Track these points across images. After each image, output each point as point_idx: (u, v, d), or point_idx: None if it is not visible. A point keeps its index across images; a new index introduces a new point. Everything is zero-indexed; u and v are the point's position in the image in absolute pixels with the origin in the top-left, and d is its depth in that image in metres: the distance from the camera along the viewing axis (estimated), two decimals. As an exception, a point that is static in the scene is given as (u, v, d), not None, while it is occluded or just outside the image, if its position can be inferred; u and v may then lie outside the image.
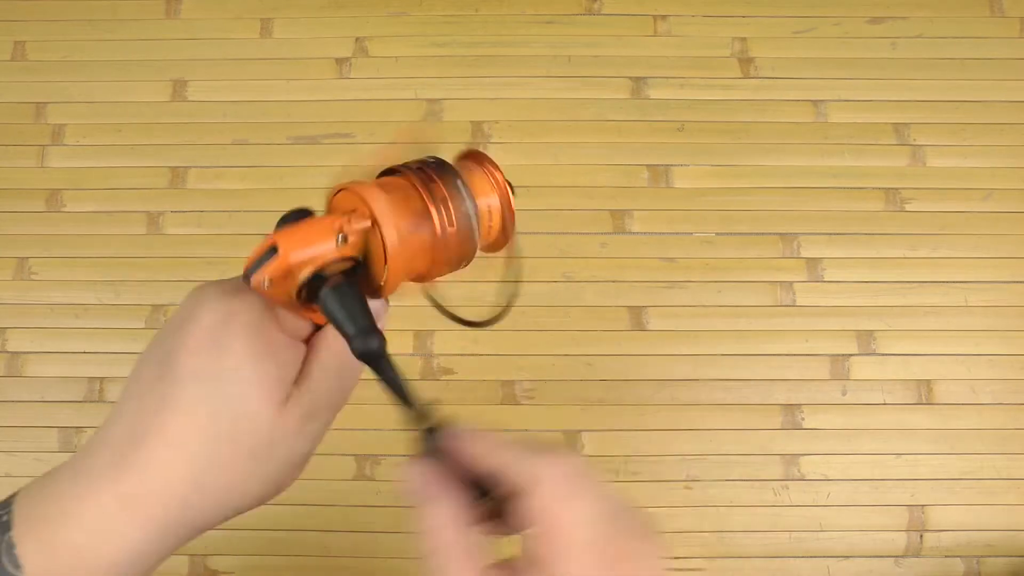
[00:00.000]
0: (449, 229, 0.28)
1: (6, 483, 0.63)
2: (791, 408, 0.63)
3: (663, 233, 0.66)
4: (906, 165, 0.68)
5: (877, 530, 0.61)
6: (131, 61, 0.70)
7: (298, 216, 0.27)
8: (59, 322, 0.65)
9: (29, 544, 0.26)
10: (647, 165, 0.68)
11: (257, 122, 0.69)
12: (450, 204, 0.28)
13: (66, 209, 0.68)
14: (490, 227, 0.30)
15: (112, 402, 0.64)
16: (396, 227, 0.26)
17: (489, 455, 0.26)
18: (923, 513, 0.62)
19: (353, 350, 0.26)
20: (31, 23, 0.71)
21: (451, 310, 0.31)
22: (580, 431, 0.62)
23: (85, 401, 0.64)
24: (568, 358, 0.63)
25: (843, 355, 0.64)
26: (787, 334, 0.65)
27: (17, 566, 0.25)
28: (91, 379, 0.64)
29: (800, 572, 0.61)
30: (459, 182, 0.28)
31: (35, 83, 0.70)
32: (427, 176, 0.28)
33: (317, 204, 0.64)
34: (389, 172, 0.29)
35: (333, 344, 0.28)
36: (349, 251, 0.26)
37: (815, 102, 0.69)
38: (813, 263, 0.66)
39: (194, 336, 0.27)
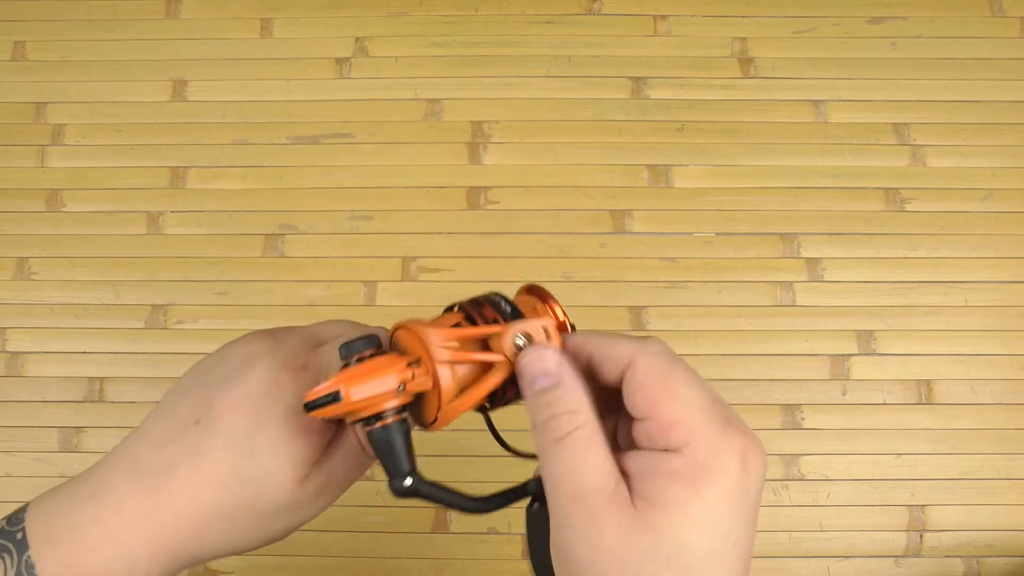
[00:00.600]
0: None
1: (6, 483, 0.63)
2: (791, 408, 0.63)
3: (663, 233, 0.66)
4: (906, 165, 0.68)
5: (877, 530, 0.61)
6: (131, 61, 0.70)
7: (364, 345, 0.28)
8: (59, 322, 0.65)
9: (50, 565, 0.26)
10: (647, 165, 0.68)
11: (257, 122, 0.69)
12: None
13: (66, 209, 0.68)
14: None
15: (112, 402, 0.65)
16: (454, 382, 0.27)
17: (588, 343, 0.26)
18: (923, 513, 0.62)
19: (391, 487, 0.28)
20: (31, 23, 0.71)
21: (502, 436, 0.31)
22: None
23: (85, 401, 0.64)
24: (568, 358, 0.63)
25: (843, 355, 0.64)
26: (787, 334, 0.65)
27: None
28: (91, 379, 0.64)
29: (800, 572, 0.61)
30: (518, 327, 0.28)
31: (35, 83, 0.70)
32: (484, 315, 0.29)
33: (317, 204, 0.64)
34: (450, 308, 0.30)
35: (353, 439, 0.30)
36: (407, 399, 0.28)
37: (815, 102, 0.69)
38: (813, 263, 0.66)
39: (240, 396, 0.28)
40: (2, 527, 0.27)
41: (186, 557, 0.28)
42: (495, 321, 0.28)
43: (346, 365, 0.28)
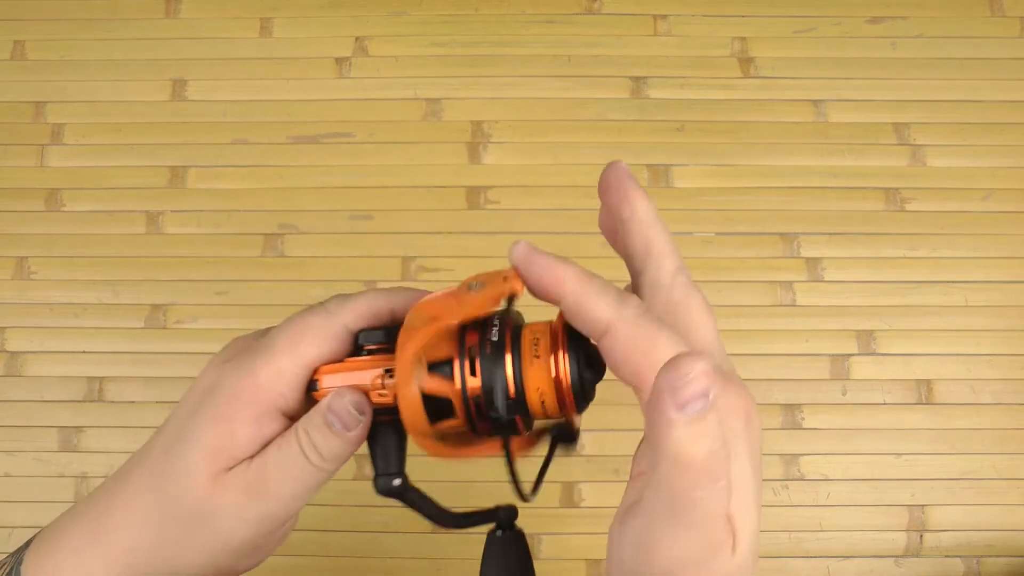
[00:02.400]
0: (471, 383, 0.25)
1: (6, 483, 0.63)
2: (791, 408, 0.63)
3: (663, 233, 0.66)
4: (906, 165, 0.68)
5: (877, 530, 0.61)
6: (130, 60, 0.70)
7: (379, 337, 0.27)
8: (58, 322, 0.65)
9: (30, 564, 0.27)
10: (647, 165, 0.68)
11: (257, 122, 0.69)
12: (478, 360, 0.25)
13: (65, 209, 0.68)
14: (542, 402, 0.25)
15: (111, 402, 0.65)
16: (419, 414, 0.25)
17: (568, 291, 0.24)
18: (923, 513, 0.62)
19: (375, 484, 0.27)
20: (30, 22, 0.71)
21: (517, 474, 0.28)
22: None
23: (85, 401, 0.64)
24: (568, 358, 0.63)
25: (843, 355, 0.64)
26: (787, 334, 0.65)
27: None
28: (91, 379, 0.64)
29: (800, 572, 0.61)
30: (504, 338, 0.25)
31: (34, 82, 0.70)
32: (478, 328, 0.25)
33: (316, 203, 0.64)
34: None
35: (294, 442, 0.27)
36: (388, 401, 0.26)
37: (815, 102, 0.69)
38: (813, 263, 0.66)
39: (188, 397, 0.27)
40: (9, 561, 0.28)
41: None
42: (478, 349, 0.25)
43: (358, 352, 0.27)
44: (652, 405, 0.19)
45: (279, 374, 0.26)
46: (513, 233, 0.66)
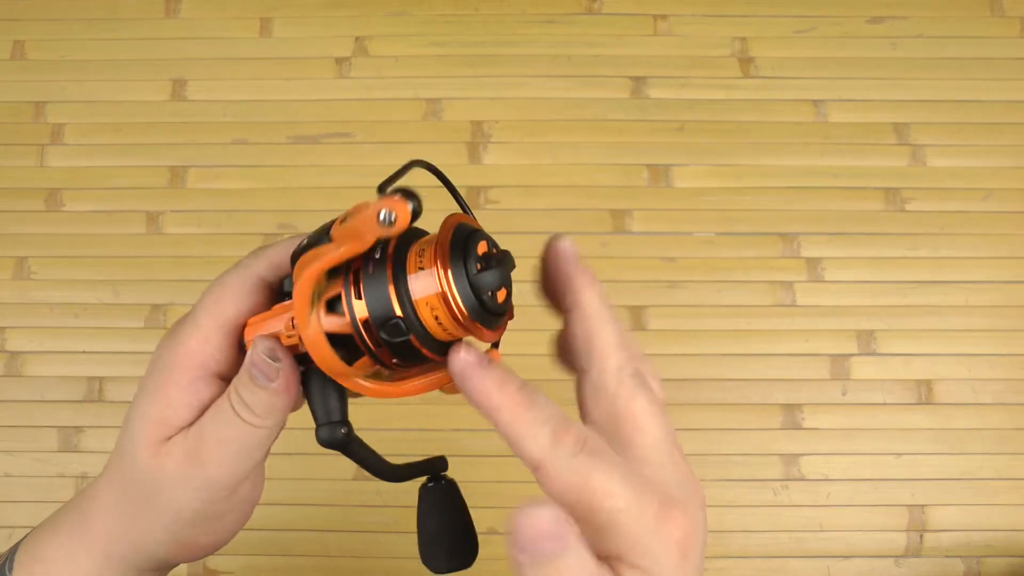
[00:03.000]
0: (358, 309, 0.23)
1: (6, 483, 0.63)
2: (791, 408, 0.63)
3: (663, 233, 0.66)
4: (906, 165, 0.67)
5: (877, 530, 0.61)
6: (130, 60, 0.70)
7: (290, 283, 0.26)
8: (58, 321, 0.65)
9: (21, 553, 0.28)
10: (647, 165, 0.68)
11: (257, 122, 0.69)
12: (361, 283, 0.23)
13: (65, 209, 0.68)
14: (436, 319, 0.23)
15: (111, 402, 0.65)
16: (315, 335, 0.23)
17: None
18: (923, 513, 0.62)
19: (317, 435, 0.25)
20: (30, 22, 0.71)
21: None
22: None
23: (85, 401, 0.64)
24: (568, 358, 0.63)
25: (843, 355, 0.64)
26: (787, 334, 0.64)
27: (11, 571, 0.27)
28: (91, 379, 0.64)
29: (800, 572, 0.61)
30: (388, 258, 0.23)
31: (34, 82, 0.70)
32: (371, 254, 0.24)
33: (316, 203, 0.64)
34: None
35: (225, 399, 0.26)
36: (296, 343, 0.25)
37: (815, 102, 0.69)
38: (813, 263, 0.66)
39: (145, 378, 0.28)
40: (4, 553, 0.29)
41: (128, 561, 0.28)
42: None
43: (282, 299, 0.27)
44: (509, 546, 0.20)
45: (205, 338, 0.26)
46: (513, 233, 0.66)
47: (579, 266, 0.24)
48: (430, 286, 0.22)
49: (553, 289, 0.25)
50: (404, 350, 0.23)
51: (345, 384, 0.24)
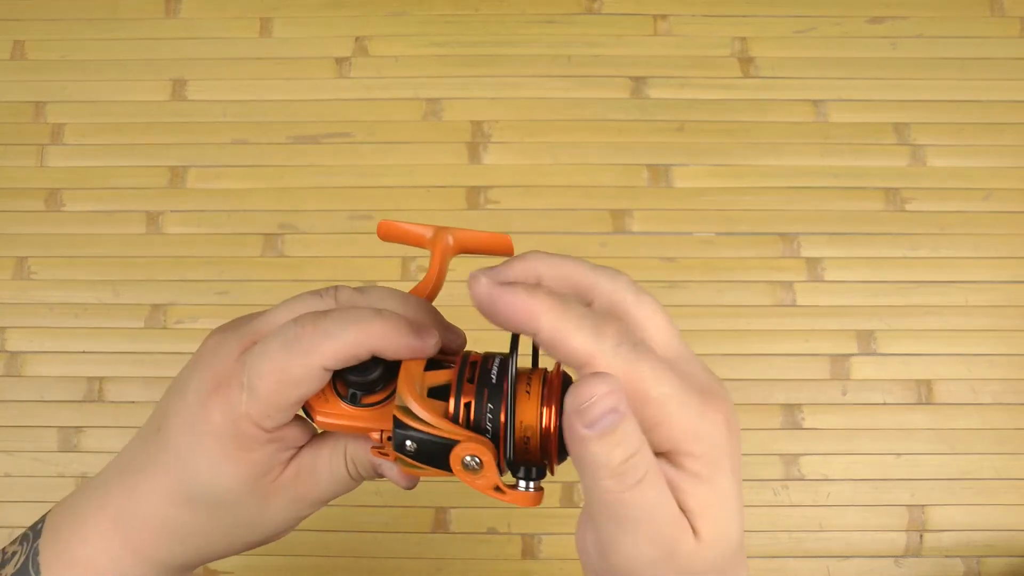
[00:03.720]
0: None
1: (6, 483, 0.63)
2: (791, 408, 0.63)
3: (663, 233, 0.66)
4: (906, 165, 0.68)
5: (877, 530, 0.61)
6: (130, 60, 0.70)
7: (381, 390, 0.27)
8: (58, 322, 0.65)
9: (49, 553, 0.28)
10: (647, 165, 0.68)
11: (257, 122, 0.69)
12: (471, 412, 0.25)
13: (65, 209, 0.68)
14: (525, 449, 0.25)
15: (111, 402, 0.65)
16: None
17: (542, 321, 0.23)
18: (923, 513, 0.62)
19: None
20: (30, 22, 0.71)
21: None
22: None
23: (85, 401, 0.64)
24: (568, 358, 0.63)
25: (843, 355, 0.64)
26: (787, 334, 0.65)
27: (38, 572, 0.27)
28: (90, 379, 0.64)
29: (800, 572, 0.61)
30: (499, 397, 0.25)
31: (34, 82, 0.70)
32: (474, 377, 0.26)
33: (316, 203, 0.64)
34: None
35: (336, 457, 0.29)
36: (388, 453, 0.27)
37: (815, 102, 0.69)
38: (813, 263, 0.66)
39: (181, 408, 0.27)
40: (19, 550, 0.29)
41: (168, 564, 0.28)
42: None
43: (351, 399, 0.27)
44: (566, 426, 0.21)
45: (263, 416, 0.26)
46: (513, 233, 0.66)
47: (507, 298, 0.23)
48: (532, 419, 0.25)
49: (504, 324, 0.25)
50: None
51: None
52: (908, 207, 0.67)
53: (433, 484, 0.61)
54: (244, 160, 0.68)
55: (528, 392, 0.25)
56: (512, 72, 0.70)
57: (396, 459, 0.25)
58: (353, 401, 0.27)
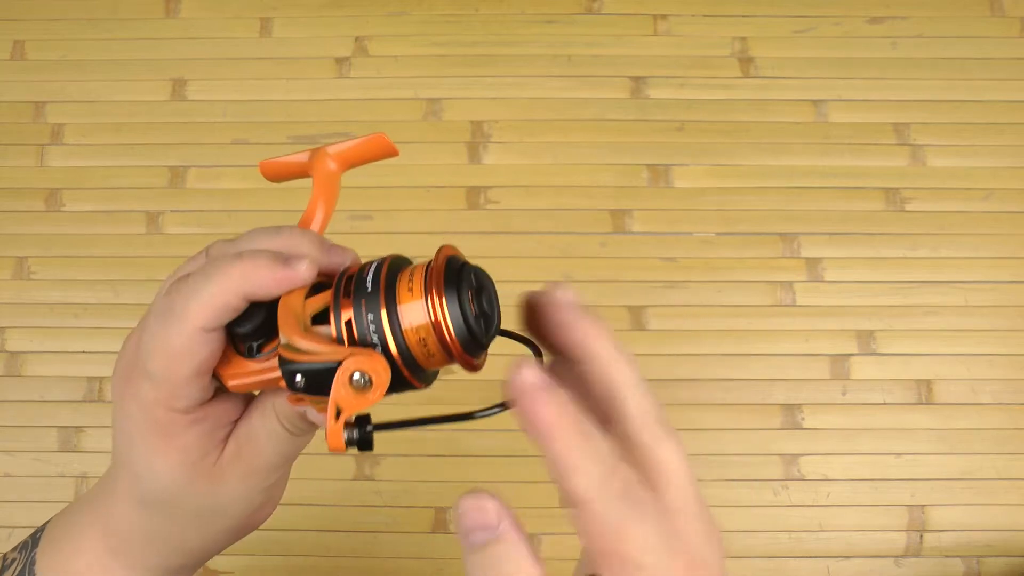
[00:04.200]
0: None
1: (6, 483, 0.63)
2: (791, 408, 0.63)
3: (663, 233, 0.66)
4: (906, 165, 0.68)
5: (877, 530, 0.61)
6: (130, 60, 0.70)
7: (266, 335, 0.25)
8: (58, 321, 0.65)
9: (44, 564, 0.28)
10: (647, 165, 0.68)
11: (257, 121, 0.69)
12: (353, 323, 0.23)
13: (65, 208, 0.68)
14: (427, 352, 0.23)
15: (111, 402, 0.64)
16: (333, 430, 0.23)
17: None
18: (923, 513, 0.62)
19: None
20: (30, 22, 0.71)
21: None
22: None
23: (84, 401, 0.64)
24: (568, 358, 0.63)
25: (843, 355, 0.64)
26: (787, 334, 0.64)
27: None
28: (90, 379, 0.64)
29: (800, 572, 0.61)
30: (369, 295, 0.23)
31: (34, 82, 0.70)
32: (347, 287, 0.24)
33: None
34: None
35: (268, 418, 0.27)
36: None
37: (815, 102, 0.69)
38: (813, 263, 0.66)
39: (114, 411, 0.26)
40: (35, 530, 0.29)
41: (159, 569, 0.28)
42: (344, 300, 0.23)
43: (249, 353, 0.25)
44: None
45: (171, 398, 0.25)
46: (513, 233, 0.66)
47: (585, 315, 0.23)
48: (421, 316, 0.22)
49: (548, 333, 0.24)
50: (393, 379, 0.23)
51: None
52: (908, 207, 0.67)
53: (433, 484, 0.61)
54: (244, 160, 0.68)
55: (411, 289, 0.23)
56: (512, 72, 0.70)
57: (308, 401, 0.24)
58: (253, 354, 0.25)
